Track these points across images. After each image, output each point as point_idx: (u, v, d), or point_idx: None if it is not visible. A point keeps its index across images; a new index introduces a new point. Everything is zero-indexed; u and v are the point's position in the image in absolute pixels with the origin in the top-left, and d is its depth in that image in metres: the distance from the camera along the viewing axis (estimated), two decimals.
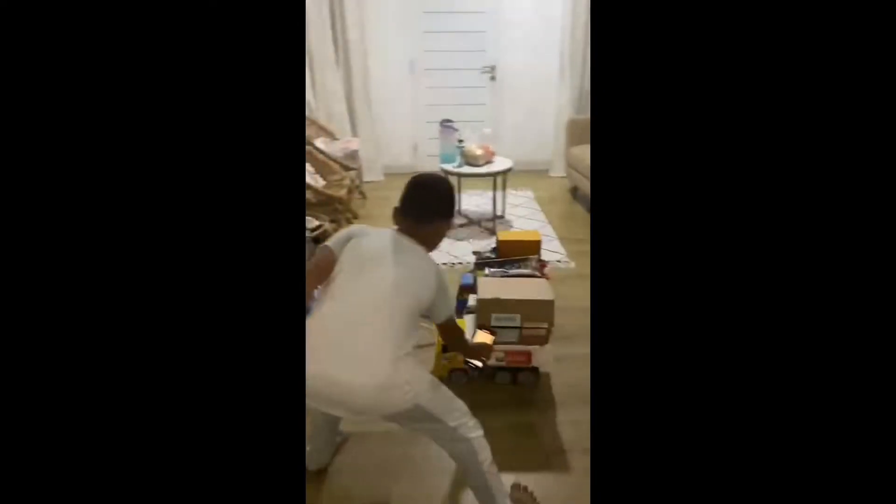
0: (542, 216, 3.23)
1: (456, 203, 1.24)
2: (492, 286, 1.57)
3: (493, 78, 4.07)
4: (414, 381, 0.98)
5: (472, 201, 3.51)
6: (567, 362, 1.76)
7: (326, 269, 1.06)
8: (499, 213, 3.20)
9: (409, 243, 1.09)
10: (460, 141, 2.82)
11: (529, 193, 3.67)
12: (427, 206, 1.13)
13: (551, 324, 1.51)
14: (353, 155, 3.17)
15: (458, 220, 3.10)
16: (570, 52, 3.80)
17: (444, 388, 1.08)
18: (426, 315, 1.12)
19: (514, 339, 1.55)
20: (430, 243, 1.15)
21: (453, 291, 1.14)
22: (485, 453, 1.08)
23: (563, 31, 3.76)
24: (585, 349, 1.85)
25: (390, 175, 4.17)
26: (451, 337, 1.22)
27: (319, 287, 1.08)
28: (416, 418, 0.99)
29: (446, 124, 2.90)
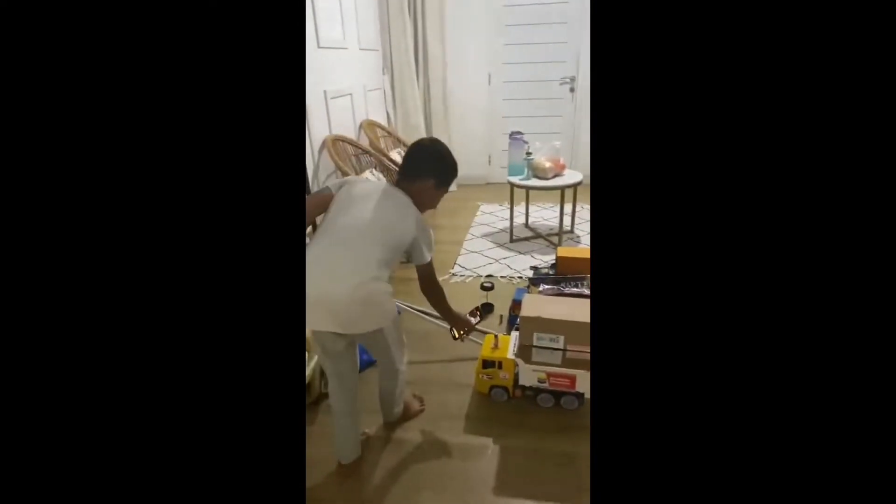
0: None
1: (448, 168, 1.29)
2: (536, 304, 1.52)
3: (572, 90, 3.96)
4: (387, 306, 1.20)
5: (540, 214, 3.43)
6: None
7: (322, 205, 1.25)
8: (568, 227, 3.10)
9: (394, 191, 1.24)
10: (528, 153, 2.77)
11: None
12: (414, 164, 1.26)
13: None
14: None
15: (452, 188, 3.03)
16: None
17: (401, 332, 1.36)
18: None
19: (557, 362, 1.48)
20: (417, 202, 1.25)
21: (432, 239, 1.27)
22: (403, 387, 1.46)
23: None
24: None
25: (464, 186, 4.21)
26: (426, 288, 1.33)
27: (317, 219, 1.29)
28: (376, 343, 1.28)
29: (516, 136, 2.87)
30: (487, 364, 1.58)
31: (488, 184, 4.35)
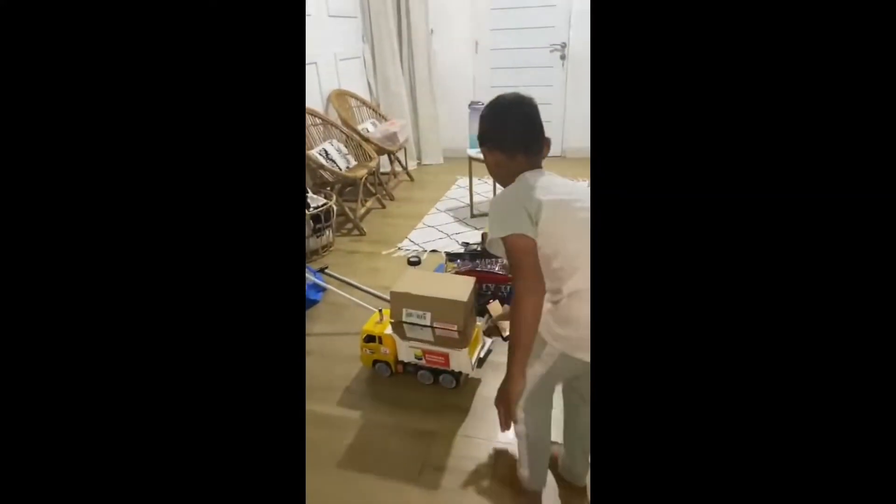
0: None
1: (503, 126, 0.99)
2: (410, 279, 1.48)
3: (563, 57, 3.74)
4: None
5: None
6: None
7: None
8: None
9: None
10: None
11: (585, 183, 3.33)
12: (479, 131, 1.02)
13: (460, 326, 1.37)
14: (391, 137, 3.19)
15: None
16: None
17: None
18: None
19: (429, 339, 1.44)
20: (494, 175, 1.03)
21: (502, 213, 0.95)
22: None
23: None
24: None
25: (450, 159, 4.12)
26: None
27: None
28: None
29: (475, 106, 2.75)
30: (369, 339, 1.56)
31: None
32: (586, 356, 0.86)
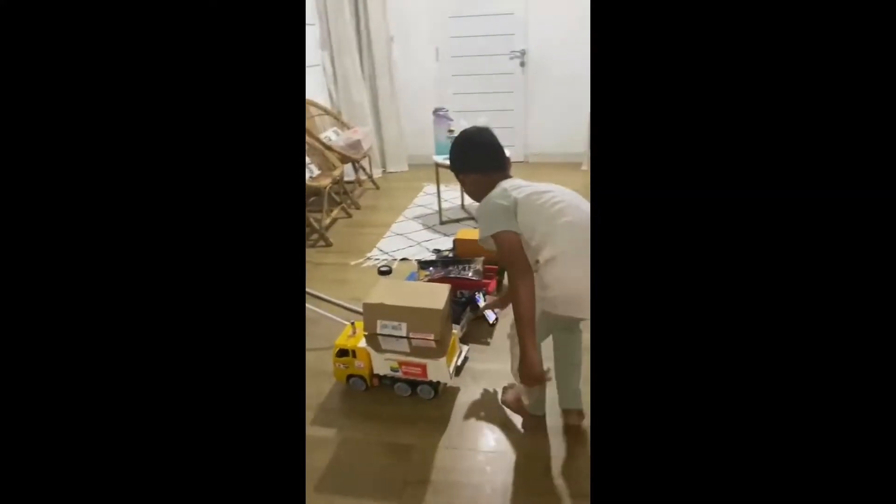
0: None
1: (475, 154, 1.26)
2: (383, 290, 1.44)
3: (522, 64, 3.80)
4: None
5: None
6: (485, 378, 1.57)
7: None
8: None
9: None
10: (450, 131, 2.66)
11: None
12: (452, 162, 1.31)
13: (437, 335, 1.34)
14: (355, 145, 3.14)
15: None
16: None
17: None
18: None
19: (405, 350, 1.41)
20: (472, 194, 1.28)
21: (489, 214, 1.18)
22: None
23: None
24: (502, 366, 1.64)
25: (415, 166, 4.10)
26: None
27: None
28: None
29: (439, 112, 2.75)
30: (342, 353, 1.51)
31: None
32: (565, 311, 1.11)
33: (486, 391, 1.53)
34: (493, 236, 1.13)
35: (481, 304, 1.83)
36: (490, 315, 1.82)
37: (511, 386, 1.46)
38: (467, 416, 1.43)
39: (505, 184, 1.21)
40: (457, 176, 1.30)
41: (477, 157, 1.24)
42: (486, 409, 1.46)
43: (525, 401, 1.35)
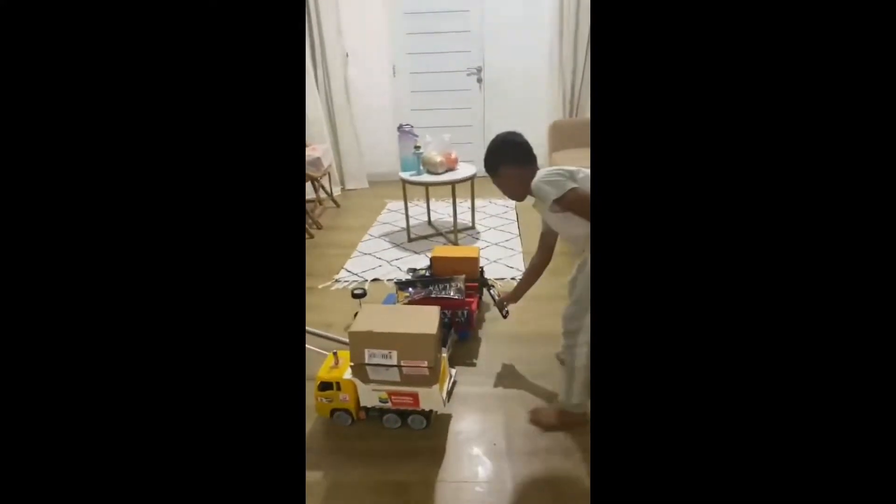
0: (514, 228, 2.97)
1: (513, 150, 1.40)
2: (369, 316, 1.36)
3: (479, 80, 3.84)
4: None
5: (447, 210, 3.29)
6: (476, 402, 1.51)
7: None
8: (469, 223, 2.97)
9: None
10: (417, 147, 2.62)
11: (512, 203, 3.41)
12: (486, 162, 1.44)
13: (431, 362, 1.28)
14: (315, 163, 3.03)
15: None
16: (560, 50, 3.51)
17: None
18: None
19: (395, 379, 1.33)
20: (511, 191, 1.45)
21: (551, 182, 1.28)
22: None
23: (551, 27, 3.48)
24: (492, 388, 1.59)
25: (375, 183, 4.02)
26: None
27: None
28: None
29: (405, 128, 2.70)
30: (325, 386, 1.41)
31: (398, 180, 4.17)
32: None
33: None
34: (562, 197, 1.24)
35: (496, 297, 1.83)
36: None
37: (541, 408, 1.47)
38: (462, 445, 1.37)
39: (549, 168, 1.34)
40: (493, 175, 1.43)
41: (515, 152, 1.39)
42: (481, 435, 1.40)
43: (569, 401, 1.38)
